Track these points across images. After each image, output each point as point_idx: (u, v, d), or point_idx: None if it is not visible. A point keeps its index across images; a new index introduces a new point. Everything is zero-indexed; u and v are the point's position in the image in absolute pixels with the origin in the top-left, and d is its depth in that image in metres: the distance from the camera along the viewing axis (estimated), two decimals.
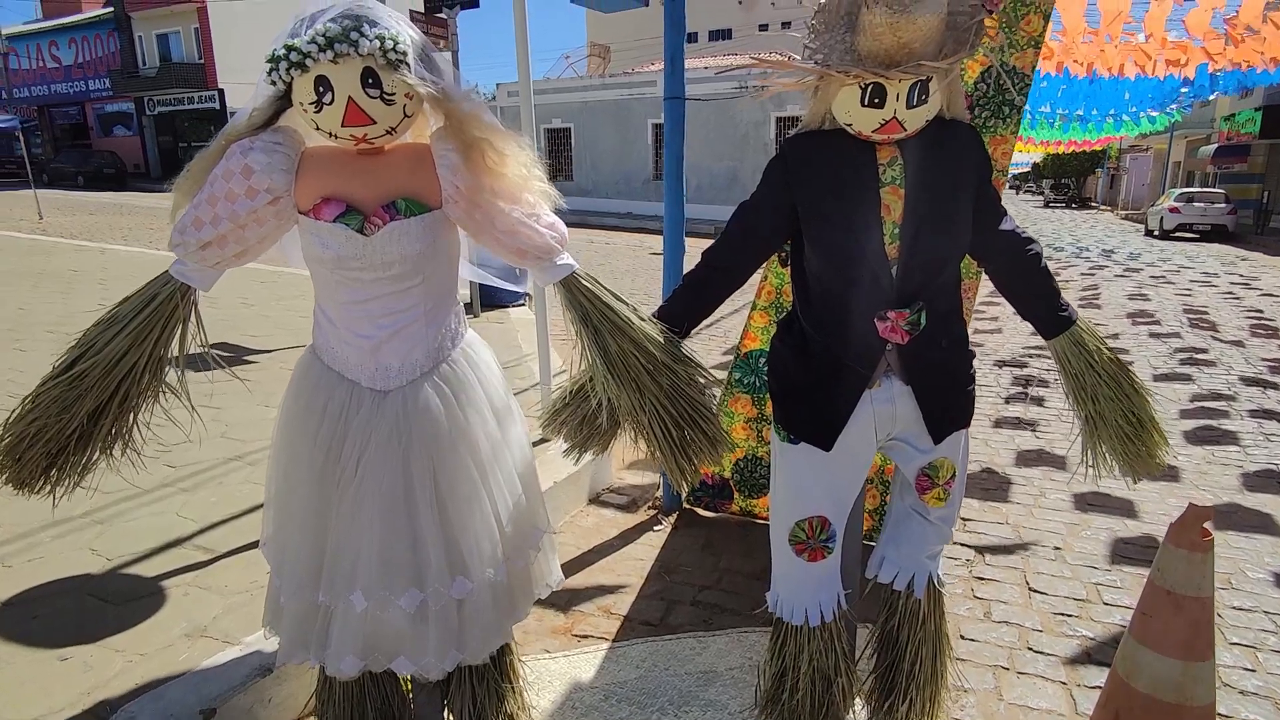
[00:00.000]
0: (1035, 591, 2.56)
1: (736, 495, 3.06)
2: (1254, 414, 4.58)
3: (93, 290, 6.90)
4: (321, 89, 1.27)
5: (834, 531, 1.64)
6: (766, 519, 2.99)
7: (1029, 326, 1.70)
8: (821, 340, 1.56)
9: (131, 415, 1.47)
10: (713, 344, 6.28)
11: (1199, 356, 6.01)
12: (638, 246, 14.46)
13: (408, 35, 1.31)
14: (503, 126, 1.43)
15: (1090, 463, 1.71)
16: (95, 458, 1.47)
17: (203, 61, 27.93)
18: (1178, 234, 18.68)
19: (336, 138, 1.33)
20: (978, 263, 1.65)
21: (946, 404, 1.59)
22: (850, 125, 1.45)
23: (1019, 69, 2.35)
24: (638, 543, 2.92)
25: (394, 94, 1.31)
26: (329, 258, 1.37)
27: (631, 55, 29.19)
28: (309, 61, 1.23)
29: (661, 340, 1.57)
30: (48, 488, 1.45)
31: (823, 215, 1.50)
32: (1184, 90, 8.76)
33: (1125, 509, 3.21)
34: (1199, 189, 20.39)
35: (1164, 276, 11.43)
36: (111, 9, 29.77)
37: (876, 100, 1.38)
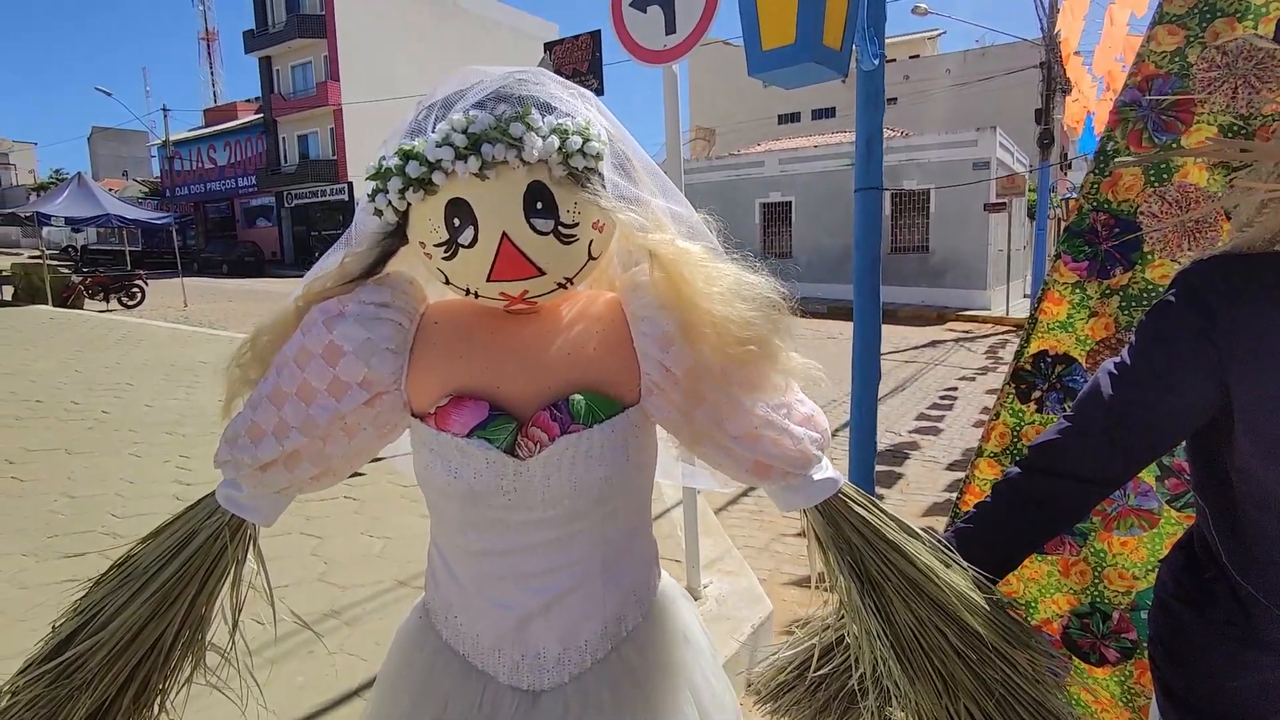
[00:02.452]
0: None
1: None
2: None
3: (216, 385, 6.92)
4: (458, 221, 0.76)
5: None
6: None
7: None
8: None
9: (158, 704, 0.96)
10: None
11: None
12: None
13: (600, 124, 0.79)
14: (748, 268, 0.87)
15: None
16: None
17: (335, 158, 30.22)
18: None
19: (477, 294, 0.81)
20: None
21: None
22: None
23: None
24: None
25: (576, 225, 0.78)
26: (459, 490, 0.82)
27: (736, 137, 29.38)
28: (438, 176, 0.72)
29: (984, 604, 0.94)
30: None
31: None
32: None
33: None
34: None
35: None
36: (261, 115, 33.06)
37: None
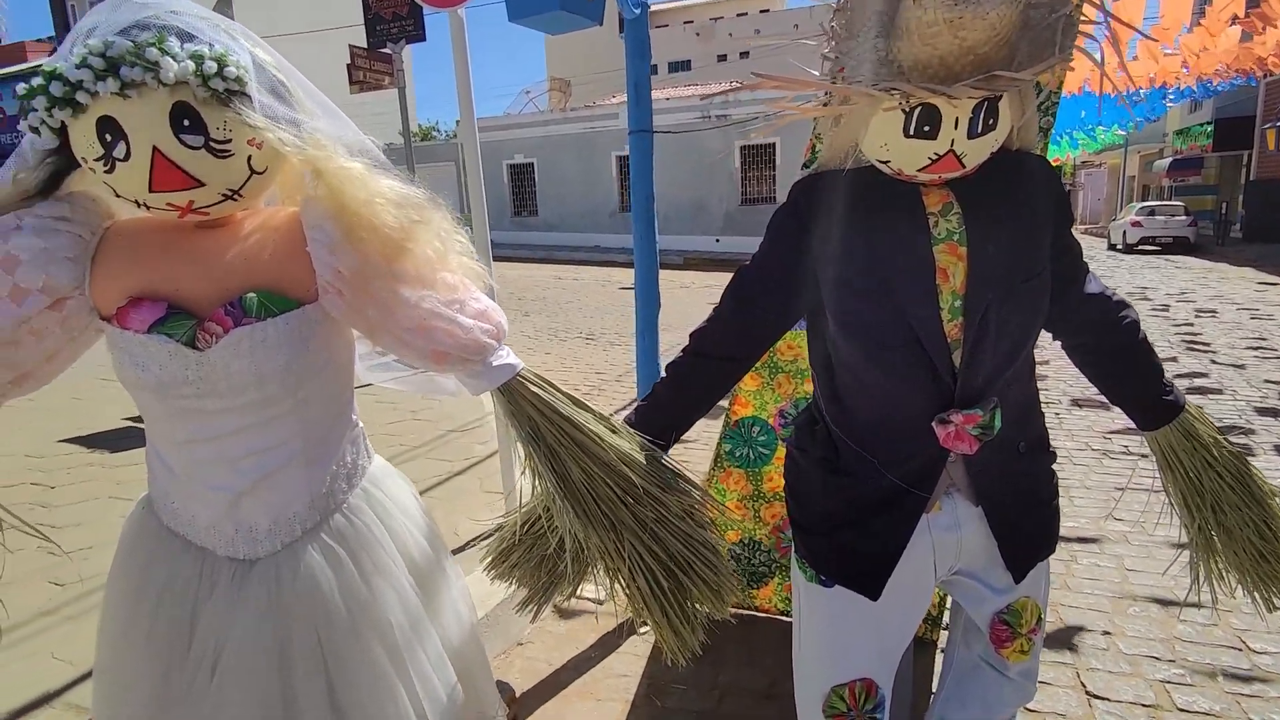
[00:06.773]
0: (1095, 697, 2.16)
1: None
2: None
3: None
4: (109, 137, 0.85)
5: (882, 698, 1.22)
6: (769, 612, 2.57)
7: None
8: (858, 452, 1.15)
9: None
10: None
11: (1204, 383, 5.74)
12: (606, 281, 14.09)
13: (247, 53, 0.90)
14: (406, 180, 1.01)
15: (1203, 587, 1.32)
16: None
17: None
18: (1141, 247, 18.81)
19: (148, 206, 0.91)
20: (1055, 336, 1.26)
21: (1028, 528, 1.18)
22: (887, 163, 1.07)
23: (1043, 85, 2.01)
24: (620, 651, 2.47)
25: (228, 142, 0.88)
26: (149, 382, 0.93)
27: (592, 89, 29.16)
28: (82, 95, 0.81)
29: (643, 459, 1.16)
30: None
31: (853, 285, 1.10)
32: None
33: (1163, 584, 2.83)
34: (1158, 202, 20.59)
35: (1139, 292, 11.33)
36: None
37: (927, 128, 0.99)
